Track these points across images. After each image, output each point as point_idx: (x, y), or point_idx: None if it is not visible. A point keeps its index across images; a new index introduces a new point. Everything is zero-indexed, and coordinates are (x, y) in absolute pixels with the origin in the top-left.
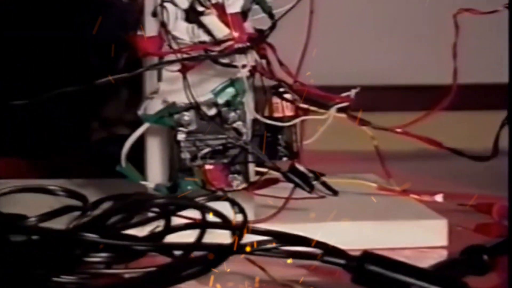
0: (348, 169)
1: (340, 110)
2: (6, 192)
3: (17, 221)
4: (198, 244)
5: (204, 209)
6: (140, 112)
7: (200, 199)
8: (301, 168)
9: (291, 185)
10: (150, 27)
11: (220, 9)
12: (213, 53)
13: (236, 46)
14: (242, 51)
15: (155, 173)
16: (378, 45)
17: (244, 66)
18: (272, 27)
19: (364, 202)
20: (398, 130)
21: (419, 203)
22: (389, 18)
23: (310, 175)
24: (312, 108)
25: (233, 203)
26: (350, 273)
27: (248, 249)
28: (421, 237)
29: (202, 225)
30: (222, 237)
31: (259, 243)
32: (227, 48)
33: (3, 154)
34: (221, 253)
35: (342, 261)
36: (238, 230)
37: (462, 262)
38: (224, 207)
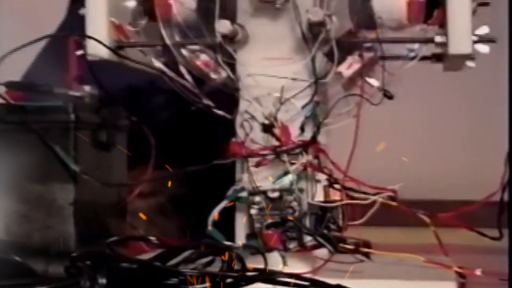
0: None
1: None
2: None
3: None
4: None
5: (230, 251)
6: (228, 193)
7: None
8: (328, 234)
9: None
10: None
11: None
12: (266, 153)
13: (283, 149)
14: (291, 152)
15: (241, 237)
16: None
17: (292, 163)
18: (313, 139)
19: (400, 269)
20: (442, 215)
21: (454, 275)
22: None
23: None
24: (361, 195)
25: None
26: None
27: None
28: None
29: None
30: None
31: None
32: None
33: None
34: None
35: None
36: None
37: None
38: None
